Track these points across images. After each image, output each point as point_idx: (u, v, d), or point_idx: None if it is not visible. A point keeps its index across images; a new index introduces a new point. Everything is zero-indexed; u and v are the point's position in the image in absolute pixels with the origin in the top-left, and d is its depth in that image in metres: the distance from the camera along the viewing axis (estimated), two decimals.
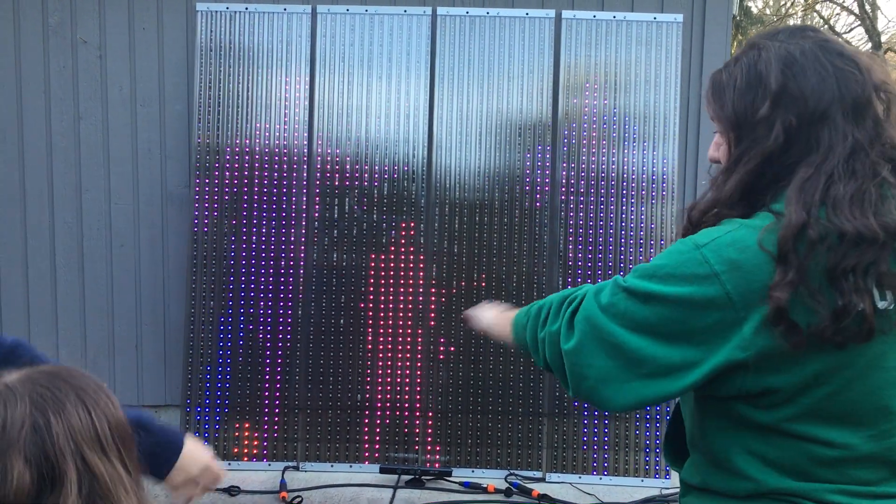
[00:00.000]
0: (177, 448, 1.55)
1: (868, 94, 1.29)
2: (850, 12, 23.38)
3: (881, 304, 1.23)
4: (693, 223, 1.37)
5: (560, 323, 1.39)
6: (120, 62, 4.14)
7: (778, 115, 1.29)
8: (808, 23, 26.51)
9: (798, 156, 1.28)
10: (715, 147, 1.42)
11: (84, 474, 0.93)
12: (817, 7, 23.43)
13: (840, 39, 1.38)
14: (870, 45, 23.36)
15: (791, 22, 26.78)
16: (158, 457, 1.55)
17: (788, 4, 23.07)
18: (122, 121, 4.16)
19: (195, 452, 1.57)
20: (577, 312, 1.37)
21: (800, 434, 1.28)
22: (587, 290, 1.40)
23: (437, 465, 3.91)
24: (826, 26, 24.87)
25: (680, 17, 3.92)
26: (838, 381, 1.25)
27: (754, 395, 1.28)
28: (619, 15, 3.93)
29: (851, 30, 25.77)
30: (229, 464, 3.86)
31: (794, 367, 1.24)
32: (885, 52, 23.61)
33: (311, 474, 3.87)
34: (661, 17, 3.93)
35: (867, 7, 22.16)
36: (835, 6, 24.16)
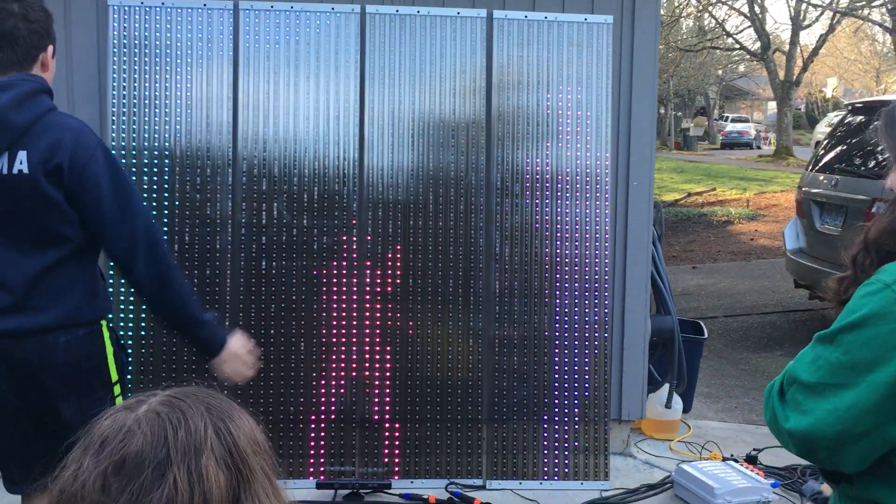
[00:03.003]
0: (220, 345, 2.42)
1: None
2: (741, 13, 24.34)
3: None
4: (870, 241, 1.40)
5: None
6: None
7: None
8: (703, 25, 27.40)
9: None
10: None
11: (263, 476, 0.93)
12: (710, 9, 24.29)
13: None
14: (758, 44, 24.39)
15: (684, 23, 27.66)
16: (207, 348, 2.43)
17: (683, 6, 23.82)
18: None
19: (234, 348, 2.43)
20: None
21: None
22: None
23: (375, 476, 3.80)
24: (719, 27, 25.82)
25: (610, 19, 3.92)
26: None
27: None
28: (551, 16, 3.90)
29: (742, 31, 26.86)
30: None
31: None
32: (774, 52, 24.69)
33: None
34: (591, 18, 3.92)
35: (756, 9, 23.12)
36: (725, 7, 25.09)
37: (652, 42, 4.11)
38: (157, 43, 3.74)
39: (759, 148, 33.64)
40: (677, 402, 4.53)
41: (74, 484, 0.87)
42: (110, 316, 2.50)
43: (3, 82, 2.20)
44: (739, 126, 36.37)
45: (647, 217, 4.17)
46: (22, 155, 2.19)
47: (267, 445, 0.97)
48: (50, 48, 2.32)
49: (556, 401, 3.88)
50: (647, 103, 4.13)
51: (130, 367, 3.17)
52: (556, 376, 3.88)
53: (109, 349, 2.39)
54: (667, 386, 4.49)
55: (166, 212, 3.71)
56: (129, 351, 3.46)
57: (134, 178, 3.68)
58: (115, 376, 2.40)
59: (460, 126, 3.86)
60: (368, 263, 3.81)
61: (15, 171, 2.19)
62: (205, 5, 3.75)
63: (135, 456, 0.86)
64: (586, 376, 3.89)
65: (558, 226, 3.89)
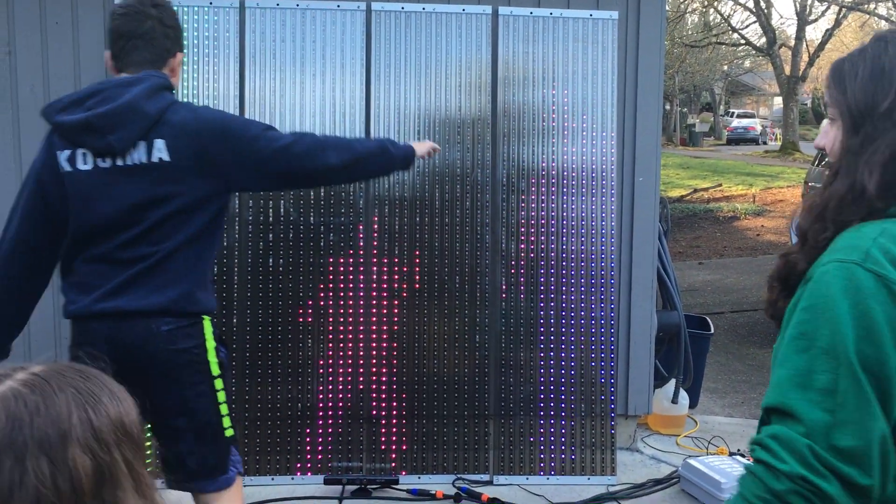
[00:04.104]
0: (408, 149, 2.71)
1: None
2: (746, 9, 24.29)
3: None
4: (828, 210, 1.30)
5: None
6: (31, 59, 3.86)
7: None
8: (709, 20, 27.29)
9: None
10: (824, 135, 1.38)
11: (127, 466, 0.89)
12: (715, 4, 24.22)
13: None
14: (764, 40, 24.33)
15: (689, 19, 27.59)
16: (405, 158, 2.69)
17: (688, 1, 23.77)
18: (34, 123, 3.88)
19: (418, 145, 2.77)
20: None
21: None
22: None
23: (382, 472, 3.81)
24: (724, 23, 25.77)
25: (615, 15, 3.92)
26: None
27: None
28: (556, 12, 3.90)
29: (747, 26, 26.81)
30: (163, 482, 3.66)
31: None
32: (779, 48, 24.62)
33: (251, 489, 3.70)
34: (596, 13, 3.92)
35: (762, 4, 23.06)
36: (730, 2, 25.05)
37: (657, 38, 4.11)
38: None
39: (764, 143, 33.58)
40: (683, 397, 4.54)
41: None
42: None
43: (135, 78, 2.31)
44: (745, 122, 36.30)
45: (654, 213, 4.18)
46: (160, 143, 2.27)
47: (137, 432, 0.92)
48: (179, 55, 2.44)
49: (563, 396, 3.89)
50: (652, 99, 4.13)
51: None
52: (563, 372, 3.89)
53: (211, 344, 2.40)
54: (673, 381, 4.49)
55: None
56: None
57: None
58: (216, 371, 2.42)
59: (466, 122, 3.86)
60: (375, 260, 3.82)
61: (155, 159, 2.27)
62: (211, 3, 3.76)
63: None
64: (593, 372, 3.90)
65: (564, 222, 3.89)
